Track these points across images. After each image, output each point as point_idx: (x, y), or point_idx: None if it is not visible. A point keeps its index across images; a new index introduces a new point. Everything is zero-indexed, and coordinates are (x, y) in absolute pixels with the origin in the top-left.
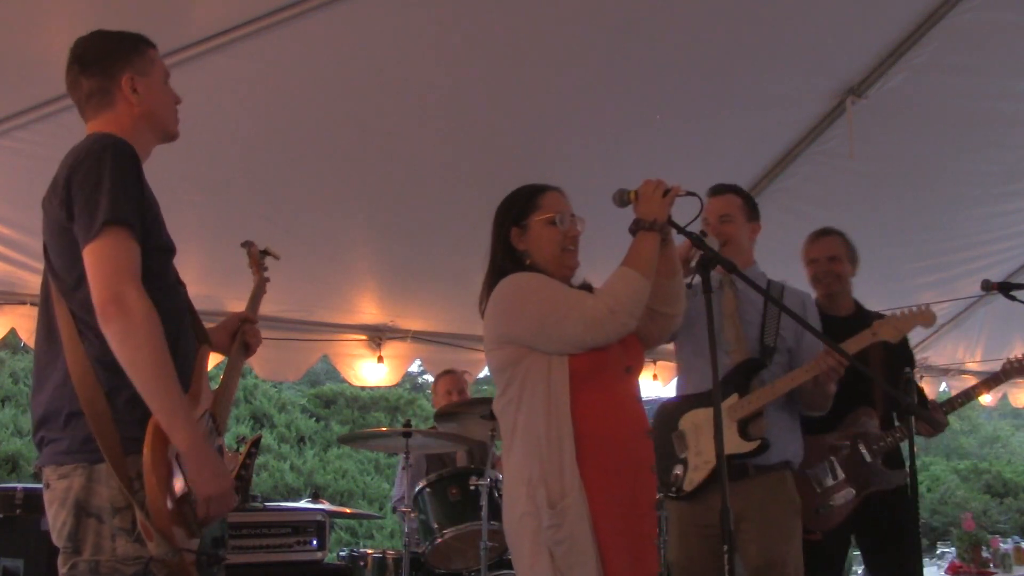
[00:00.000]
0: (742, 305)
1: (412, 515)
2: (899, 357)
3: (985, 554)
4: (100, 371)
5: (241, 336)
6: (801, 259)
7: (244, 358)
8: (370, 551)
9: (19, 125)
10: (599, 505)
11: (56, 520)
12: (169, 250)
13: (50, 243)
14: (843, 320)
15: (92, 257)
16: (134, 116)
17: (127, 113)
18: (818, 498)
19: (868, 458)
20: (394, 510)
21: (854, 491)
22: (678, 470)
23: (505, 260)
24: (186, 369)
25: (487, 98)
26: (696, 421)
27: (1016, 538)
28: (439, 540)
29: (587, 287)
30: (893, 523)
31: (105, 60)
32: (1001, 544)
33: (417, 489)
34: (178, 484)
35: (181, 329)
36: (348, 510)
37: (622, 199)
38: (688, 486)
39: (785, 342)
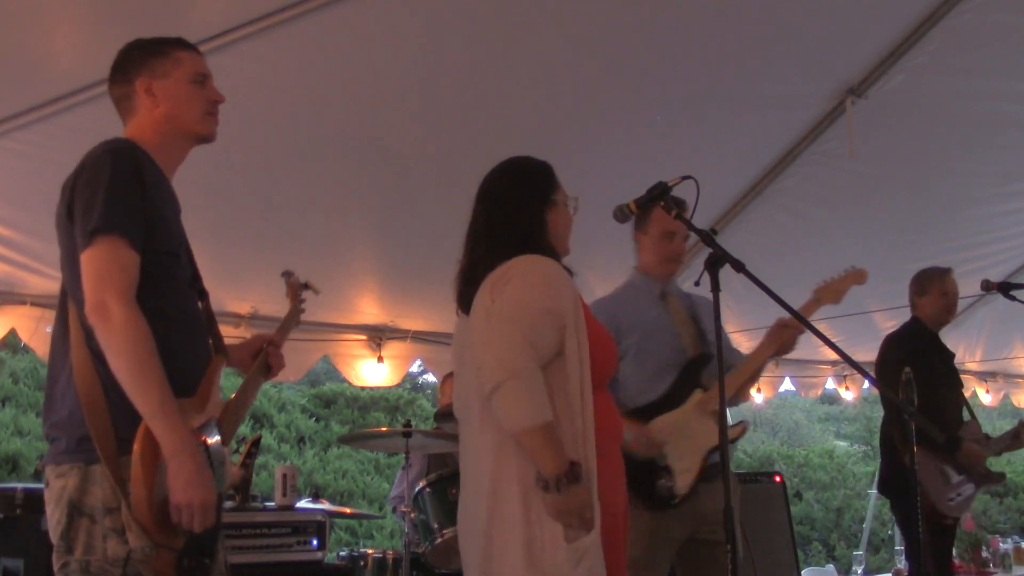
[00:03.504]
0: (690, 311)
1: (412, 515)
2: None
3: (985, 554)
4: (101, 371)
5: (264, 357)
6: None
7: (263, 379)
8: (370, 551)
9: (19, 125)
10: (610, 530)
11: (52, 518)
12: (173, 254)
13: (60, 246)
14: None
15: (84, 265)
16: (155, 120)
17: (148, 117)
18: (951, 489)
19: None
20: (394, 510)
21: (973, 486)
22: (665, 479)
23: (543, 236)
24: (192, 374)
25: (488, 99)
26: (661, 427)
27: (1016, 538)
28: (439, 540)
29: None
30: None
31: (124, 66)
32: (1001, 544)
33: (417, 489)
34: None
35: (187, 333)
36: (348, 510)
37: (622, 212)
38: (681, 491)
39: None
